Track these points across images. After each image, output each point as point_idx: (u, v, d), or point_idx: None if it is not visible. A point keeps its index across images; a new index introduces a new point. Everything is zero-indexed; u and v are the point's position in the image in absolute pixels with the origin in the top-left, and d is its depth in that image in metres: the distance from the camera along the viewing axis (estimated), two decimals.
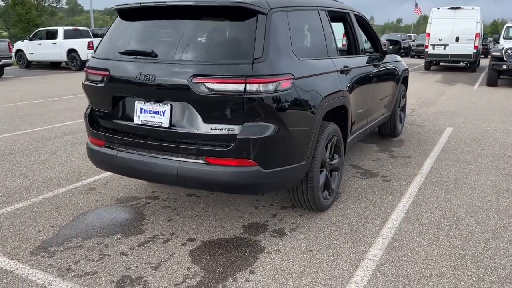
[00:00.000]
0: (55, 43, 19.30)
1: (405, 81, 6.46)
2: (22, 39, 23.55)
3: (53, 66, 21.05)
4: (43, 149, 5.85)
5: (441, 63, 19.82)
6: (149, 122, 3.15)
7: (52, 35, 19.59)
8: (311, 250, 3.15)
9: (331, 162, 3.85)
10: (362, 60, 4.70)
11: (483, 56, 24.38)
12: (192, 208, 3.87)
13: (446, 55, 17.59)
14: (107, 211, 3.82)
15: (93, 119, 3.52)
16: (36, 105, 9.51)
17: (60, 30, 19.58)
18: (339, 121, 4.05)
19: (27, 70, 19.85)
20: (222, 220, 3.63)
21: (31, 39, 20.33)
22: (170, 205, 3.93)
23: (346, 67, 4.06)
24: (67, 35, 19.43)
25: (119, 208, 3.87)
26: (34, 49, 20.01)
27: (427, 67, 18.67)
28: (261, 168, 2.95)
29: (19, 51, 20.54)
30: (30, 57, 20.32)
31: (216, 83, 2.85)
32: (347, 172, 4.86)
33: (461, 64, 19.04)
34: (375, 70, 4.95)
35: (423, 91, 11.85)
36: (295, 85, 3.07)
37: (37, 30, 21.19)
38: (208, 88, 2.87)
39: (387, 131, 6.29)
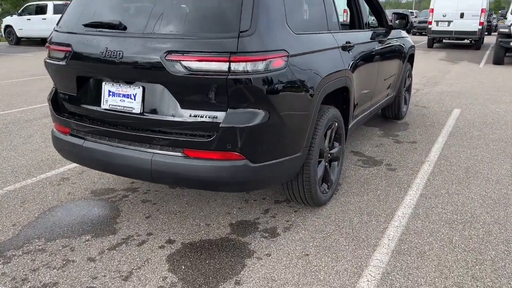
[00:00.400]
0: (45, 19, 18.55)
1: (411, 59, 5.97)
2: (11, 14, 22.75)
3: (44, 43, 20.36)
4: (18, 133, 5.39)
5: (444, 40, 19.19)
6: (119, 107, 2.69)
7: (41, 10, 18.82)
8: (307, 255, 2.75)
9: (330, 152, 3.41)
10: (366, 35, 4.21)
11: (486, 33, 23.67)
12: (174, 202, 3.45)
13: (450, 32, 16.97)
14: (78, 206, 3.40)
15: (57, 103, 3.06)
16: (18, 84, 9.00)
17: (50, 4, 18.79)
18: (340, 104, 3.59)
19: (17, 47, 19.16)
20: (207, 217, 3.21)
21: (20, 14, 19.56)
22: (150, 198, 3.51)
23: (349, 43, 3.58)
24: (57, 10, 18.64)
25: (92, 203, 3.45)
26: (24, 25, 19.27)
27: (430, 45, 18.05)
28: (249, 162, 2.52)
29: (8, 27, 19.80)
30: (19, 33, 19.59)
31: (194, 61, 2.38)
32: (348, 159, 4.43)
33: (465, 41, 18.44)
34: (380, 47, 4.47)
35: (427, 69, 11.34)
36: (289, 63, 2.60)
37: (26, 5, 20.40)
38: (185, 67, 2.40)
39: (391, 113, 5.84)
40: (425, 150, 4.76)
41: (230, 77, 2.36)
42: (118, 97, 2.68)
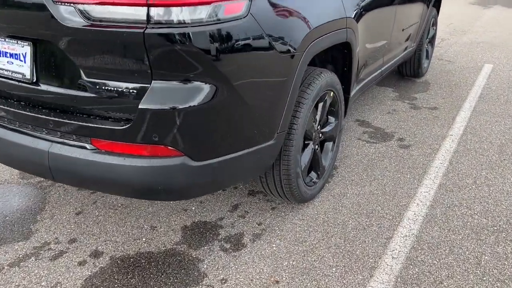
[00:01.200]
0: None
1: (437, 3, 4.89)
2: None
3: None
4: None
5: None
6: (6, 73, 1.86)
7: None
8: (277, 282, 1.99)
9: (322, 130, 2.56)
10: None
11: None
12: None
13: None
14: None
15: None
16: None
17: None
18: (339, 66, 2.69)
19: None
20: (156, 215, 2.45)
21: None
22: None
23: None
24: None
25: (15, 189, 2.70)
26: None
27: None
28: (188, 160, 1.70)
29: None
30: None
31: (94, 4, 1.51)
32: (350, 131, 3.56)
33: None
34: None
35: (454, 14, 10.01)
36: (252, 9, 1.70)
37: None
38: (82, 14, 1.53)
39: (409, 70, 4.85)
40: (448, 119, 3.85)
41: (149, 30, 1.50)
42: (5, 58, 1.84)
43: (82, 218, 2.42)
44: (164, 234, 2.29)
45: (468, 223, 2.42)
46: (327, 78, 2.36)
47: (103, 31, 1.54)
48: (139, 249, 2.18)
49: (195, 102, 1.61)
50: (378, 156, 3.15)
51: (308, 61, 2.08)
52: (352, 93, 2.87)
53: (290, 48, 1.92)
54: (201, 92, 1.62)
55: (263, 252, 2.17)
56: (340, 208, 2.54)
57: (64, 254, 2.14)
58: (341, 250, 2.20)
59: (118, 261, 2.10)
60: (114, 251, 2.17)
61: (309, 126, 2.34)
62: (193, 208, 2.52)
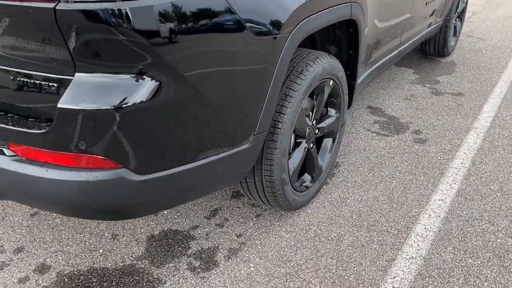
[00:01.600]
0: None
1: None
2: None
3: None
4: None
5: None
6: None
7: None
8: None
9: (319, 126, 2.15)
10: None
11: None
12: None
13: None
14: None
15: None
16: None
17: None
18: (344, 47, 2.25)
19: None
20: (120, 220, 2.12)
21: None
22: None
23: None
24: None
25: None
26: None
27: None
28: (129, 174, 1.33)
29: None
30: None
31: None
32: (360, 120, 3.13)
33: None
34: None
35: None
36: None
37: None
38: None
39: (433, 48, 4.32)
40: (474, 108, 3.36)
41: (62, 6, 1.11)
42: None
43: (36, 221, 2.11)
44: (126, 245, 1.96)
45: (490, 244, 2.01)
46: (324, 64, 1.94)
47: (10, 6, 1.15)
48: (93, 263, 1.86)
49: (132, 100, 1.23)
50: (389, 152, 2.73)
51: (297, 44, 1.66)
52: (359, 80, 2.44)
53: (270, 28, 1.50)
54: (140, 87, 1.24)
55: (237, 274, 1.82)
56: (337, 218, 2.16)
57: (6, 268, 1.84)
58: (331, 275, 1.83)
59: (65, 279, 1.78)
60: (63, 265, 1.85)
61: (300, 122, 1.93)
62: (165, 212, 2.17)
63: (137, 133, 1.29)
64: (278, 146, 1.79)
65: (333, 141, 2.32)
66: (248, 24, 1.41)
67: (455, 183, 2.44)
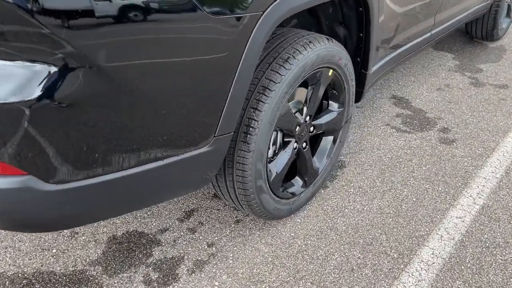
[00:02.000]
0: None
1: None
2: None
3: None
4: None
5: None
6: None
7: None
8: None
9: (315, 123, 1.82)
10: None
11: None
12: None
13: None
14: None
15: None
16: None
17: None
18: (353, 28, 1.89)
19: None
20: None
21: None
22: None
23: None
24: None
25: None
26: None
27: None
28: (37, 182, 1.08)
29: None
30: None
31: None
32: (380, 111, 2.74)
33: None
34: None
35: None
36: None
37: None
38: None
39: (479, 31, 3.78)
40: None
41: None
42: None
43: None
44: (83, 246, 1.75)
45: None
46: (320, 50, 1.59)
47: None
48: (42, 265, 1.67)
49: (34, 94, 0.97)
50: (407, 153, 2.35)
51: (273, 27, 1.33)
52: (373, 69, 2.06)
53: (232, 6, 1.18)
54: (46, 78, 0.97)
55: None
56: (329, 231, 1.84)
57: None
58: None
59: (7, 282, 1.60)
60: (10, 264, 1.67)
61: (286, 120, 1.62)
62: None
63: (46, 134, 1.03)
64: (252, 149, 1.48)
65: (334, 140, 1.98)
66: (199, 1, 1.10)
67: (480, 198, 2.05)
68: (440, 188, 2.11)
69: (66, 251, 1.73)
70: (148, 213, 1.92)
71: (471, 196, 2.05)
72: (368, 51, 1.93)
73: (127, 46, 1.03)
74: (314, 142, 1.96)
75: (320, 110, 1.90)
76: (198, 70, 1.19)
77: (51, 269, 1.65)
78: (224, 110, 1.30)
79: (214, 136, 1.33)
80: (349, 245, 1.78)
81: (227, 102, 1.30)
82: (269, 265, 1.68)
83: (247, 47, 1.26)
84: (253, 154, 1.50)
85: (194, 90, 1.21)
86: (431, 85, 3.09)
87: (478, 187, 2.12)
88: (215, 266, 1.67)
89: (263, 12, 1.27)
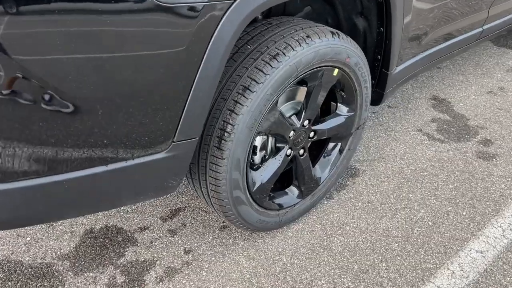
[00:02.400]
0: None
1: None
2: None
3: None
4: None
5: None
6: None
7: None
8: None
9: (316, 128, 1.59)
10: None
11: None
12: None
13: None
14: None
15: None
16: None
17: None
18: (372, 20, 1.63)
19: None
20: None
21: None
22: None
23: None
24: None
25: None
26: None
27: None
28: None
29: None
30: None
31: None
32: (413, 113, 2.43)
33: None
34: None
35: None
36: None
37: None
38: None
39: None
40: None
41: None
42: None
43: None
44: (57, 237, 1.67)
45: None
46: (320, 46, 1.36)
47: None
48: (12, 253, 1.61)
49: None
50: (434, 167, 2.06)
51: (249, 18, 1.12)
52: (397, 69, 1.78)
53: None
54: None
55: None
56: (322, 251, 1.63)
57: None
58: None
59: None
60: None
61: (277, 124, 1.41)
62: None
63: None
64: (226, 156, 1.30)
65: (341, 149, 1.74)
66: None
67: (511, 230, 1.73)
68: (464, 213, 1.81)
69: (39, 240, 1.66)
70: (132, 208, 1.80)
71: (500, 227, 1.74)
72: (390, 48, 1.65)
73: (56, 39, 0.88)
74: (319, 148, 1.74)
75: (327, 114, 1.67)
76: (146, 68, 1.01)
77: (20, 258, 1.59)
78: (184, 113, 1.12)
79: (173, 142, 1.16)
80: (341, 270, 1.56)
81: (187, 103, 1.11)
82: (244, 283, 1.51)
83: (211, 41, 1.06)
84: (227, 162, 1.31)
85: (140, 90, 1.04)
86: (481, 87, 2.71)
87: (511, 215, 1.80)
88: (186, 277, 1.53)
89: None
